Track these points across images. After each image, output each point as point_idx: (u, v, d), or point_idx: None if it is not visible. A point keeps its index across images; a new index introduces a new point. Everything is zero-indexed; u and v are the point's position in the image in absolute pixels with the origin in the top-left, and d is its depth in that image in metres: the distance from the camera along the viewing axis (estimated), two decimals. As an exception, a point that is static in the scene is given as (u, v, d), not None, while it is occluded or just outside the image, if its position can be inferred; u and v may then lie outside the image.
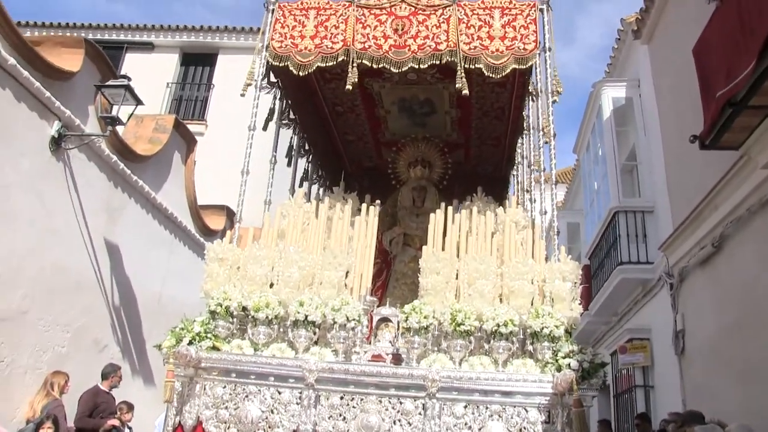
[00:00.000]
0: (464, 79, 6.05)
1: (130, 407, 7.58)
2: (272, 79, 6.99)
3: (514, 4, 6.33)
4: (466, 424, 4.79)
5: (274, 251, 5.62)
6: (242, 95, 6.55)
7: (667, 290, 9.24)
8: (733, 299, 7.26)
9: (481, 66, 6.11)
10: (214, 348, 5.17)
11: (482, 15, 6.31)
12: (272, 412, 4.94)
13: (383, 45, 6.30)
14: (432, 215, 5.93)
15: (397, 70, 6.32)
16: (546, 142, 6.19)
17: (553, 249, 5.65)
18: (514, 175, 8.70)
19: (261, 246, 5.64)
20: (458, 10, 6.33)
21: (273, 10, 6.67)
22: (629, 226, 10.15)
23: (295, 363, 4.99)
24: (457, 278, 5.42)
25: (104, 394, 7.27)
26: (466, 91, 6.09)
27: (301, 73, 6.46)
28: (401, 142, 8.51)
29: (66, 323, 7.65)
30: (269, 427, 4.90)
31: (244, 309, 5.30)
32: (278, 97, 7.18)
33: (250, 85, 6.54)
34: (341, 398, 4.95)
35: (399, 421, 4.83)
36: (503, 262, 5.53)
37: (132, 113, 8.32)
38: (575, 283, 5.35)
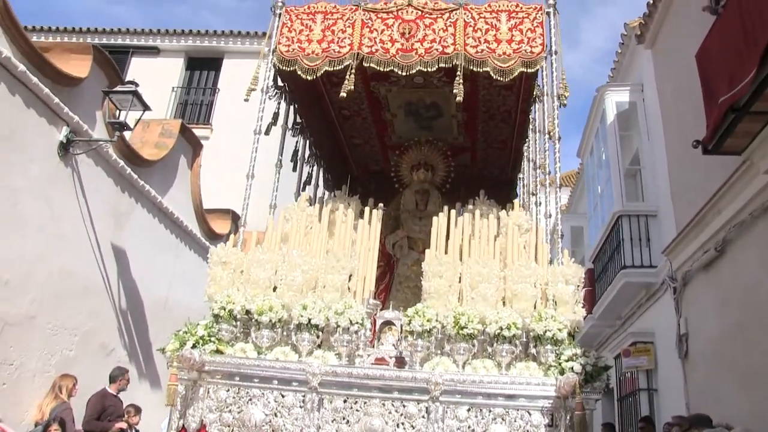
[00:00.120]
0: (461, 85, 6.01)
1: (138, 410, 7.55)
2: (279, 83, 6.97)
3: (521, 8, 6.30)
4: (469, 427, 4.76)
5: (277, 255, 5.59)
6: (246, 100, 6.53)
7: (670, 294, 9.18)
8: (736, 303, 7.21)
9: (488, 69, 6.07)
10: (218, 351, 5.14)
11: (489, 18, 6.28)
12: (276, 415, 4.91)
13: (390, 49, 6.27)
14: (435, 218, 5.89)
15: (404, 74, 6.28)
16: (550, 140, 6.14)
17: (557, 252, 5.61)
18: (520, 178, 8.66)
19: (264, 249, 5.62)
20: (465, 13, 6.30)
21: (280, 14, 6.65)
22: (633, 230, 10.09)
23: (299, 366, 4.95)
24: (460, 281, 5.37)
25: (112, 398, 7.25)
26: (460, 98, 6.04)
27: (308, 77, 6.43)
28: (404, 145, 8.48)
29: (74, 327, 7.65)
30: (273, 431, 4.86)
31: (248, 312, 5.27)
32: (283, 101, 7.15)
33: (253, 90, 6.53)
34: (344, 401, 4.91)
35: (402, 424, 4.80)
36: (506, 266, 5.49)
37: (139, 118, 8.33)
38: (578, 286, 5.31)
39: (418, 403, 4.83)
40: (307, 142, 8.06)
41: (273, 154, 6.99)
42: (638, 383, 10.31)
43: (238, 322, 5.35)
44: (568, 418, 4.65)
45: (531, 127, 7.40)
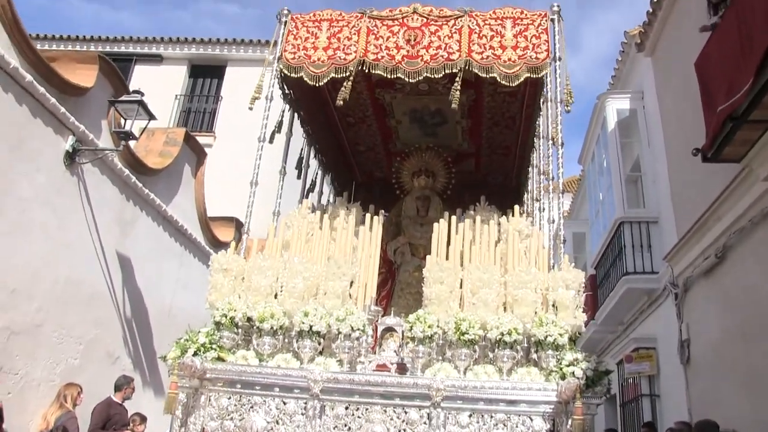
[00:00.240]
0: (458, 92, 6.01)
1: (143, 419, 7.51)
2: (284, 90, 6.95)
3: (526, 15, 6.30)
4: (471, 432, 4.71)
5: (278, 262, 5.57)
6: (250, 108, 6.51)
7: (672, 300, 9.13)
8: (736, 309, 7.18)
9: (494, 75, 6.05)
10: (219, 359, 5.11)
11: (494, 25, 6.27)
12: (277, 422, 4.87)
13: (396, 56, 6.26)
14: (436, 225, 5.87)
15: (410, 80, 6.27)
16: (554, 146, 6.11)
17: (560, 257, 5.57)
18: (526, 185, 8.63)
19: (265, 257, 5.59)
20: (470, 20, 6.29)
21: (286, 21, 6.64)
22: (634, 236, 10.05)
23: (300, 373, 4.92)
24: (461, 287, 5.35)
25: (117, 406, 7.21)
26: (455, 105, 6.03)
27: (317, 84, 6.42)
28: (405, 151, 8.46)
29: (79, 335, 7.61)
30: (274, 438, 4.83)
31: (249, 320, 5.24)
32: (288, 108, 7.13)
33: (257, 98, 6.50)
34: (346, 408, 4.88)
35: (404, 430, 4.78)
36: (507, 271, 5.46)
37: (145, 128, 8.32)
38: (579, 291, 5.27)
39: (420, 410, 4.79)
40: (312, 149, 8.03)
41: (276, 161, 6.97)
42: (640, 389, 10.24)
43: (240, 330, 5.32)
44: (569, 423, 4.60)
45: (535, 133, 7.36)
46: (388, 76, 6.33)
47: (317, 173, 8.61)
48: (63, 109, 7.09)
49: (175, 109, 15.04)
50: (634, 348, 10.27)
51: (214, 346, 5.13)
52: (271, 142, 6.80)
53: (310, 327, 5.07)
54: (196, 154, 10.86)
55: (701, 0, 7.55)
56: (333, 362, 5.07)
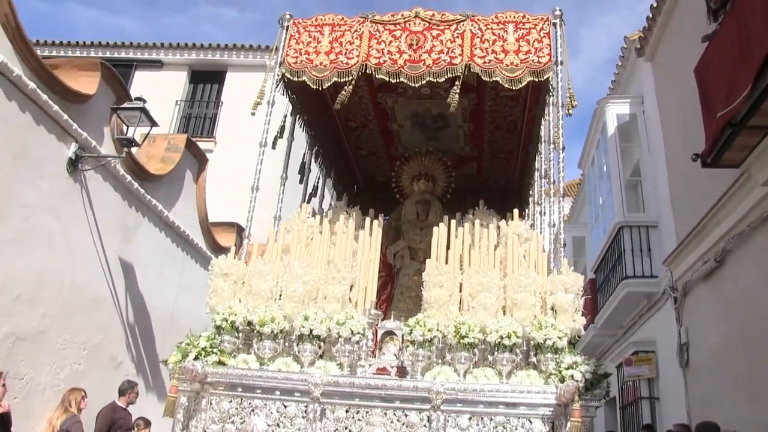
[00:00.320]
0: (457, 95, 6.00)
1: (147, 423, 7.51)
2: (289, 95, 6.96)
3: (528, 19, 6.27)
4: (470, 435, 4.71)
5: (278, 266, 5.56)
6: (252, 114, 6.52)
7: (671, 304, 9.15)
8: (735, 313, 7.20)
9: (497, 79, 6.03)
10: (220, 363, 5.10)
11: (496, 29, 6.25)
12: (278, 425, 4.86)
13: (398, 60, 6.24)
14: (435, 229, 5.85)
15: (413, 85, 6.25)
16: (555, 150, 6.11)
17: (560, 261, 5.55)
18: (526, 188, 8.62)
19: (266, 261, 5.58)
20: (472, 24, 6.27)
21: (288, 26, 6.63)
22: (634, 240, 10.07)
23: (301, 377, 4.90)
24: (460, 291, 5.33)
25: (121, 410, 7.24)
26: (453, 108, 6.02)
27: (320, 88, 6.40)
28: (404, 156, 8.44)
29: (83, 341, 7.63)
30: (275, 441, 4.82)
31: (250, 324, 5.22)
32: (289, 113, 7.13)
33: (259, 104, 6.50)
34: (347, 411, 4.86)
35: (404, 433, 4.76)
36: (506, 275, 5.45)
37: (147, 134, 8.35)
38: (578, 294, 5.26)
39: (420, 413, 4.77)
40: (314, 153, 8.04)
41: (277, 166, 6.97)
42: (640, 392, 10.25)
43: (240, 334, 5.30)
44: (568, 425, 4.60)
45: (537, 137, 7.34)
46: (391, 81, 6.30)
47: (319, 178, 8.61)
48: (66, 116, 7.11)
49: (176, 115, 15.01)
50: (634, 351, 10.28)
51: (215, 350, 5.12)
52: (273, 147, 6.80)
53: (311, 331, 5.05)
54: (197, 160, 10.88)
55: (701, 6, 7.58)
56: (333, 366, 5.05)
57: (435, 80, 6.19)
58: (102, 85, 7.85)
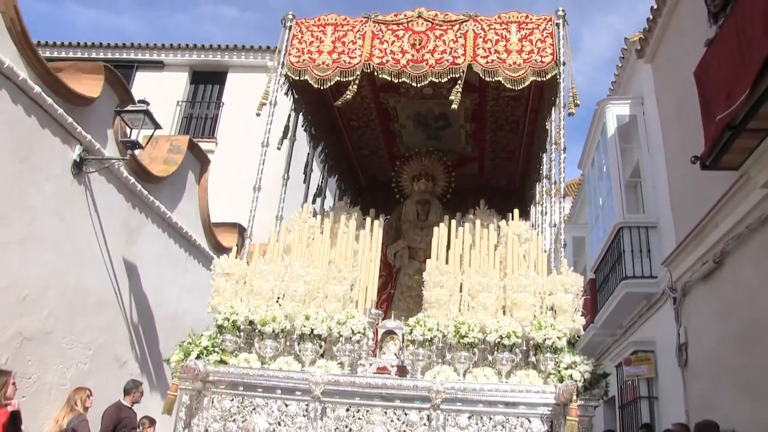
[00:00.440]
0: (459, 93, 5.98)
1: (152, 422, 7.55)
2: (290, 95, 6.96)
3: (531, 19, 6.26)
4: (470, 434, 4.72)
5: (280, 266, 5.57)
6: (258, 114, 6.51)
7: (670, 304, 9.14)
8: (734, 313, 7.20)
9: (500, 79, 6.02)
10: (222, 362, 5.11)
11: (499, 30, 6.23)
12: (279, 424, 4.87)
13: (401, 60, 6.23)
14: (435, 229, 5.85)
15: (416, 84, 6.24)
16: (556, 150, 6.11)
17: (560, 261, 5.55)
18: (528, 188, 8.62)
19: (267, 261, 5.59)
20: (475, 25, 6.26)
21: (290, 26, 6.62)
22: (633, 241, 10.06)
23: (302, 376, 4.92)
24: (460, 291, 5.34)
25: (127, 409, 7.25)
26: (454, 106, 6.00)
27: (323, 87, 6.40)
28: (405, 155, 8.43)
29: (88, 341, 7.65)
30: (276, 440, 4.83)
31: (251, 323, 5.23)
32: (292, 113, 7.12)
33: (264, 104, 6.50)
34: (347, 410, 4.87)
35: (404, 432, 4.78)
36: (506, 275, 5.45)
37: (151, 137, 8.37)
38: (577, 294, 5.27)
39: (420, 411, 4.79)
40: (315, 153, 8.03)
41: (278, 166, 6.96)
42: (639, 391, 10.24)
43: (242, 333, 5.31)
44: (565, 424, 4.61)
45: (540, 137, 7.33)
46: (393, 80, 6.29)
47: (321, 178, 8.62)
48: (70, 119, 7.11)
49: (177, 116, 14.93)
50: (633, 351, 10.27)
51: (216, 349, 5.13)
52: (279, 147, 6.82)
53: (312, 330, 5.07)
54: (199, 161, 10.89)
55: (701, 8, 7.58)
56: (334, 365, 5.07)
57: (437, 80, 6.17)
58: (105, 88, 7.86)
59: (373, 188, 9.38)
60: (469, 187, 8.65)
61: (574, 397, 4.48)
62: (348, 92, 6.17)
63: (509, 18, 6.30)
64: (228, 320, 5.20)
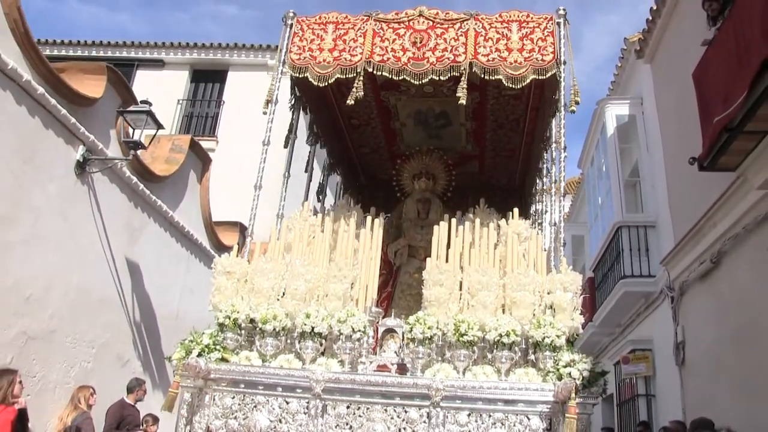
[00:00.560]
0: (465, 90, 5.94)
1: (156, 419, 7.55)
2: (294, 93, 6.96)
3: (532, 18, 6.24)
4: (469, 431, 4.71)
5: (280, 264, 5.56)
6: (264, 113, 6.50)
7: (668, 303, 9.15)
8: (731, 313, 7.21)
9: (500, 77, 6.00)
10: (223, 359, 5.10)
11: (500, 28, 6.21)
12: (280, 421, 4.86)
13: (402, 57, 6.20)
14: (436, 227, 5.84)
15: (416, 82, 6.22)
16: (557, 149, 6.10)
17: (560, 260, 5.54)
18: (528, 186, 8.61)
19: (268, 259, 5.58)
20: (476, 23, 6.23)
21: (292, 24, 6.60)
22: (632, 240, 10.06)
23: (303, 374, 4.91)
24: (460, 289, 5.33)
25: (130, 407, 7.27)
26: (462, 101, 5.96)
27: (321, 84, 6.38)
28: (405, 154, 8.40)
29: (91, 340, 7.66)
30: (277, 437, 4.82)
31: (252, 321, 5.22)
32: (294, 111, 7.10)
33: (269, 101, 6.49)
34: (348, 408, 4.86)
35: (404, 429, 4.75)
36: (506, 274, 5.44)
37: (153, 137, 8.37)
38: (576, 293, 5.26)
39: (420, 409, 4.78)
40: (316, 151, 8.03)
41: (279, 165, 6.95)
42: (637, 389, 10.26)
43: (243, 331, 5.29)
44: (564, 422, 4.62)
45: (541, 135, 7.32)
46: (394, 78, 6.27)
47: (321, 176, 8.61)
48: (73, 120, 7.10)
49: (178, 114, 14.90)
50: (631, 349, 10.28)
51: (217, 347, 5.12)
52: (285, 146, 6.81)
53: (312, 328, 5.06)
54: (201, 160, 10.89)
55: (700, 10, 7.56)
56: (334, 363, 5.06)
57: (438, 78, 6.15)
58: (108, 89, 7.85)
59: (374, 186, 9.36)
60: (469, 186, 8.64)
61: (573, 395, 4.48)
62: (354, 89, 6.12)
63: (510, 17, 6.28)
64: (229, 318, 5.19)
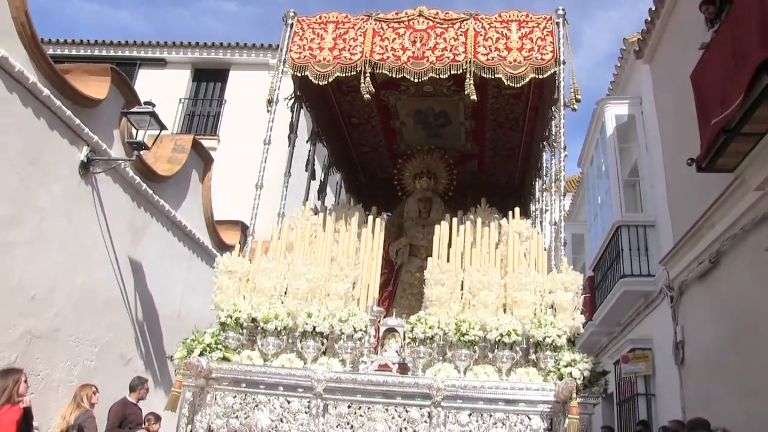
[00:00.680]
0: (473, 87, 5.91)
1: (158, 418, 7.53)
2: (295, 92, 6.93)
3: (531, 17, 6.21)
4: (470, 431, 4.67)
5: (282, 264, 5.52)
6: (268, 111, 6.47)
7: (667, 302, 9.13)
8: (729, 312, 7.20)
9: (500, 76, 5.96)
10: (225, 359, 5.05)
11: (499, 28, 6.17)
12: (282, 421, 4.82)
13: (401, 56, 6.17)
14: (437, 227, 5.79)
15: (416, 80, 6.18)
16: (556, 148, 6.08)
17: (560, 259, 5.50)
18: (528, 185, 8.58)
19: (269, 258, 5.53)
20: (476, 23, 6.20)
21: (292, 24, 6.58)
22: (632, 239, 10.05)
23: (304, 373, 4.86)
24: (461, 289, 5.28)
25: (132, 406, 7.26)
26: (474, 97, 5.92)
27: (320, 83, 6.35)
28: (407, 153, 8.36)
29: (94, 339, 7.65)
30: (279, 436, 4.79)
31: (254, 320, 5.18)
32: (295, 110, 7.06)
33: (271, 100, 6.47)
34: (349, 407, 4.81)
35: (405, 429, 4.70)
36: (507, 273, 5.39)
37: (156, 137, 8.35)
38: (577, 293, 5.22)
39: (421, 409, 4.73)
40: (316, 149, 8.00)
41: (280, 164, 6.93)
42: (636, 388, 10.24)
43: (245, 330, 5.25)
44: (566, 422, 4.57)
45: (540, 134, 7.28)
46: (394, 76, 6.24)
47: (322, 175, 8.59)
48: (78, 121, 7.09)
49: (179, 113, 14.87)
50: (631, 349, 10.27)
51: (219, 347, 5.08)
52: (289, 145, 6.78)
53: (314, 328, 5.01)
54: (203, 159, 10.87)
55: (698, 11, 7.55)
56: (336, 362, 5.02)
57: (438, 76, 6.12)
58: (112, 90, 7.84)
59: (373, 185, 9.33)
60: (468, 185, 8.60)
61: (574, 395, 4.43)
62: (363, 84, 6.08)
63: (510, 17, 6.25)
64: (231, 317, 5.14)
